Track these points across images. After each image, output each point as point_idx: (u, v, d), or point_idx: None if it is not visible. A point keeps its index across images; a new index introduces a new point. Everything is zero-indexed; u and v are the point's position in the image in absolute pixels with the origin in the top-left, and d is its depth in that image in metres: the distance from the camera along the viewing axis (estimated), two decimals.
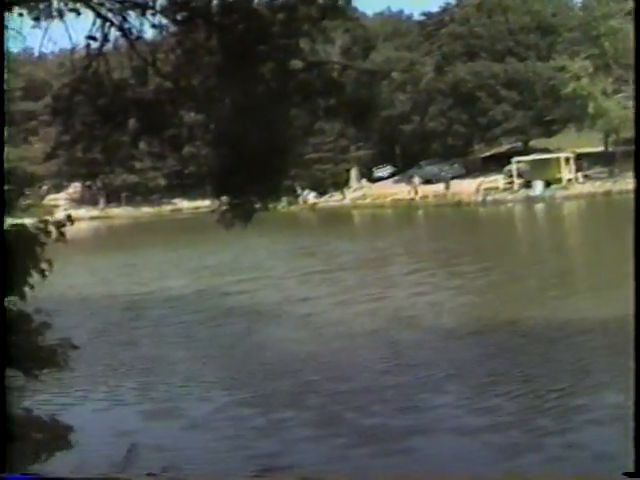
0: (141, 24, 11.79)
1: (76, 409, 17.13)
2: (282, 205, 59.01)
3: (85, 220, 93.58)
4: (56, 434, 11.02)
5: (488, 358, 22.82)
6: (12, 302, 10.83)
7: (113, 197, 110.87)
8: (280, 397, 18.40)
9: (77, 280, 41.32)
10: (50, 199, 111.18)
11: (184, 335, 27.26)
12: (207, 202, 64.66)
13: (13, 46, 11.94)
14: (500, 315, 28.06)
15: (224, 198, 12.02)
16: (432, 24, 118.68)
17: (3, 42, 7.46)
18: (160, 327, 29.04)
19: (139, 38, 11.62)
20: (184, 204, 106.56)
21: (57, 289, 30.98)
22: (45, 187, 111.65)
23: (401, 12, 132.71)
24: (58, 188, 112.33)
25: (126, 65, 12.19)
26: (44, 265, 10.81)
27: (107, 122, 11.81)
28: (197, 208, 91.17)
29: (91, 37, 11.85)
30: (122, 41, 12.27)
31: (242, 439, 15.68)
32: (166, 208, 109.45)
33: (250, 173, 11.50)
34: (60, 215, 11.68)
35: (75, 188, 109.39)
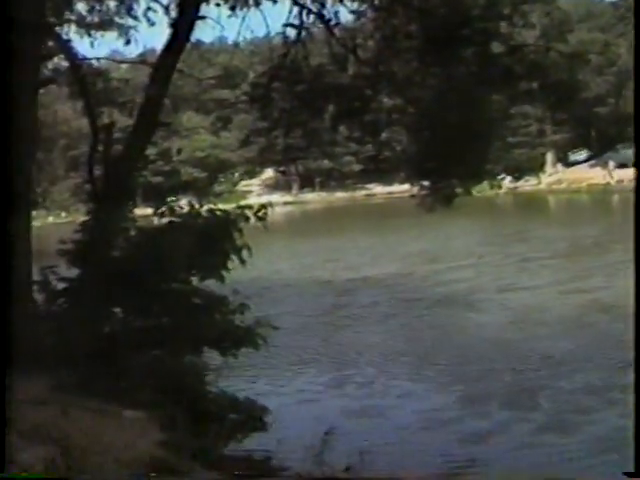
0: (337, 11, 12.16)
1: (274, 392, 17.44)
2: (478, 190, 58.33)
3: (279, 205, 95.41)
4: (252, 415, 11.45)
5: None
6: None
7: (306, 182, 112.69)
8: (499, 396, 17.57)
9: (281, 265, 41.76)
10: (243, 185, 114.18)
11: (397, 324, 26.62)
12: (402, 187, 64.90)
13: (207, 36, 12.55)
14: None
15: (425, 182, 12.21)
16: (625, 5, 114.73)
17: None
18: (372, 314, 28.53)
19: (337, 24, 11.97)
20: (378, 189, 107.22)
21: (262, 274, 31.49)
22: (238, 174, 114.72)
23: None
24: (251, 174, 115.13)
25: (324, 52, 12.58)
26: (244, 250, 11.29)
27: (306, 108, 12.21)
28: (391, 193, 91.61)
29: (289, 25, 12.31)
30: (317, 28, 12.66)
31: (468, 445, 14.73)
32: (360, 193, 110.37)
33: (450, 157, 11.66)
34: (254, 200, 12.18)
35: (269, 174, 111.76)
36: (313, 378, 18.75)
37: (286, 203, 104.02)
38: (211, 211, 11.72)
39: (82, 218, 12.47)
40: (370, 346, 22.11)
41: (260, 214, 11.69)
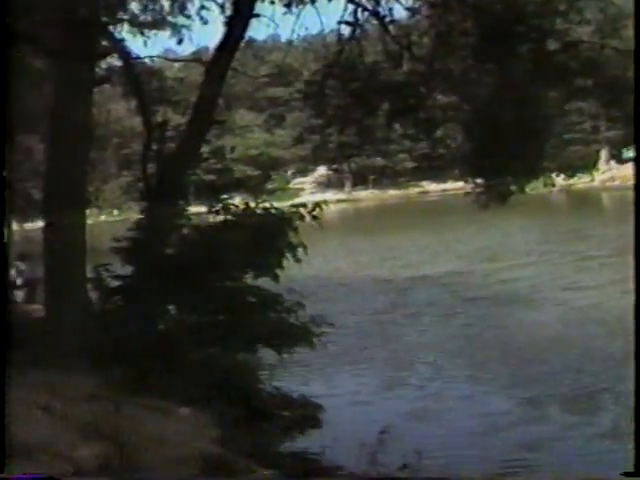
0: (391, 8, 12.17)
1: (328, 393, 17.37)
2: (531, 187, 57.77)
3: (332, 203, 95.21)
4: (306, 412, 11.50)
5: None
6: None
7: (359, 180, 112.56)
8: (560, 398, 17.07)
9: (338, 263, 41.60)
10: (296, 183, 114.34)
11: (457, 324, 26.21)
12: (456, 184, 64.50)
13: (260, 33, 12.65)
14: None
15: (479, 180, 12.18)
16: None
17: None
18: (431, 313, 28.12)
19: (392, 22, 11.97)
20: (431, 186, 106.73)
21: (319, 272, 31.36)
22: (290, 171, 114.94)
23: None
24: (304, 172, 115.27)
25: (378, 49, 12.58)
26: (299, 248, 11.32)
27: (360, 105, 12.23)
28: (445, 190, 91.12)
29: (344, 22, 12.34)
30: (371, 25, 12.68)
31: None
32: (413, 191, 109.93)
33: (505, 154, 11.62)
34: (307, 198, 12.23)
35: (321, 172, 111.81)
36: (368, 379, 18.65)
37: (339, 201, 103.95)
38: (265, 209, 11.77)
39: (135, 216, 12.61)
40: (429, 346, 21.91)
41: (315, 212, 11.71)
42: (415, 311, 27.70)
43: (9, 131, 20.55)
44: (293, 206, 11.92)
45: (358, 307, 28.84)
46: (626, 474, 6.07)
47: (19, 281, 22.83)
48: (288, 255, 11.45)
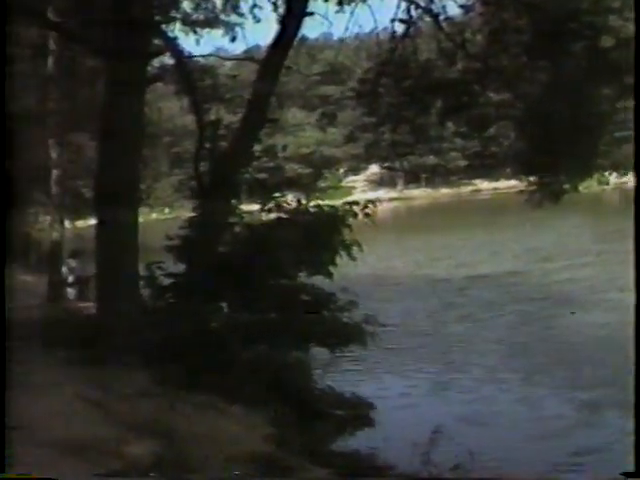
0: (445, 6, 12.13)
1: (380, 393, 17.23)
2: (585, 186, 57.00)
3: (384, 201, 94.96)
4: (358, 411, 11.48)
5: None
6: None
7: (411, 178, 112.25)
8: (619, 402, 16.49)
9: (393, 262, 41.38)
10: (348, 181, 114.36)
11: (514, 325, 25.78)
12: (508, 183, 63.93)
13: (312, 32, 12.69)
14: None
15: (532, 178, 12.10)
16: None
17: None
18: (488, 314, 27.71)
19: (446, 19, 11.93)
20: (484, 185, 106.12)
21: (374, 271, 31.28)
22: (342, 170, 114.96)
23: None
24: (356, 170, 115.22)
25: (431, 47, 12.55)
26: (353, 246, 11.32)
27: (413, 104, 12.21)
28: (497, 189, 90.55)
29: (398, 20, 12.33)
30: (424, 23, 12.64)
31: None
32: (466, 189, 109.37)
33: (559, 152, 11.53)
34: (359, 197, 12.24)
35: (373, 170, 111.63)
36: (420, 380, 18.52)
37: (391, 199, 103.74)
38: (318, 207, 11.77)
39: (186, 214, 12.68)
40: (485, 347, 21.69)
41: (367, 210, 11.70)
42: (470, 311, 27.46)
43: (61, 130, 20.80)
44: (346, 204, 11.91)
45: (413, 306, 28.68)
46: (626, 474, 6.09)
47: (71, 278, 23.07)
48: (342, 253, 11.44)
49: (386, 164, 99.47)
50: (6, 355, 6.84)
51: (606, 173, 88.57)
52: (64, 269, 22.72)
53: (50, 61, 20.74)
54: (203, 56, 16.47)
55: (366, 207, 11.78)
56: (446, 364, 19.89)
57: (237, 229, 12.09)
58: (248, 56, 21.59)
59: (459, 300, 29.62)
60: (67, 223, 26.60)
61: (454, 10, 12.41)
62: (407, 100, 12.27)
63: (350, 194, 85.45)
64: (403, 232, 58.66)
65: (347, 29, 15.04)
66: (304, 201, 12.00)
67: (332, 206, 11.87)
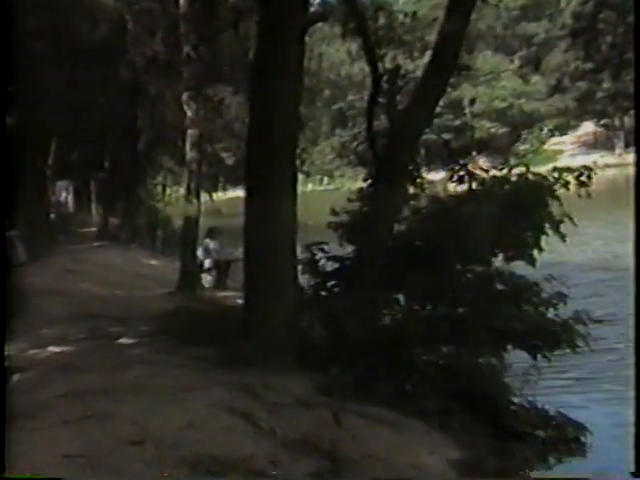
0: None
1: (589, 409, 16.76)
2: None
3: (599, 169, 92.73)
4: (565, 434, 11.16)
5: None
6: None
7: (633, 140, 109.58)
8: None
9: (614, 247, 40.52)
10: (553, 143, 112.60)
11: None
12: None
13: None
14: None
15: None
16: None
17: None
18: None
19: None
20: None
21: (592, 255, 30.87)
22: (547, 129, 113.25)
23: None
24: (563, 129, 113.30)
25: None
26: (564, 224, 11.07)
27: None
28: None
29: None
30: None
31: None
32: None
33: None
34: (566, 162, 11.94)
35: (587, 129, 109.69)
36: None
37: (607, 166, 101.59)
38: (521, 175, 11.57)
39: (349, 185, 12.65)
40: None
41: (583, 178, 11.44)
42: None
43: (197, 82, 21.02)
44: (555, 169, 11.65)
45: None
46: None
47: (208, 263, 23.24)
48: (549, 232, 11.22)
49: (603, 121, 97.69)
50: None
51: None
52: (199, 251, 22.91)
53: None
54: None
55: (581, 175, 11.52)
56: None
57: (418, 203, 12.03)
58: None
59: None
60: (203, 195, 26.68)
61: None
62: (634, 39, 11.93)
63: (555, 159, 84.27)
64: (623, 208, 57.11)
65: None
66: (501, 167, 11.82)
67: (537, 173, 11.63)
